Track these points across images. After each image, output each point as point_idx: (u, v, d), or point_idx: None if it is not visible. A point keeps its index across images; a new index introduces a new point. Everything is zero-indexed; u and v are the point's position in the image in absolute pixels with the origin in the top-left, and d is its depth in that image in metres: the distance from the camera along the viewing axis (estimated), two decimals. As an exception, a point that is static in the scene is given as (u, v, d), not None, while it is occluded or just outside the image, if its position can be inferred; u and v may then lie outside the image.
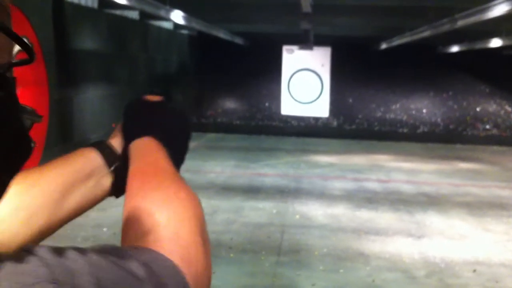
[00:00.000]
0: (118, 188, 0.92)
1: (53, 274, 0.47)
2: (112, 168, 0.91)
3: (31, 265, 0.47)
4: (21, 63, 0.55)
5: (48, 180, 0.85)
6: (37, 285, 0.46)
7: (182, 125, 0.96)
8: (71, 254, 0.51)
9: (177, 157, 0.89)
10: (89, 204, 0.91)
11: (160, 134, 0.89)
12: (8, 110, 0.50)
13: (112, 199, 0.99)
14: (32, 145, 0.57)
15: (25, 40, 0.54)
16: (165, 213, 0.71)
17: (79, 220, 1.01)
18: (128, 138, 0.91)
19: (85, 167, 0.90)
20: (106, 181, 0.91)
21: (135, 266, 0.55)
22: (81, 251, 0.52)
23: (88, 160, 0.91)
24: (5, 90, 0.50)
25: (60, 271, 0.48)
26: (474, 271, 5.96)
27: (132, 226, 0.72)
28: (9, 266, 0.46)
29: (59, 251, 0.50)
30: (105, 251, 0.55)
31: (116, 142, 0.94)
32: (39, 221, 0.82)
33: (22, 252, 0.49)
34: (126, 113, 0.96)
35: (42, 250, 0.49)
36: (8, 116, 0.50)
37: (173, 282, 0.59)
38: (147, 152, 0.86)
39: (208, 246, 0.72)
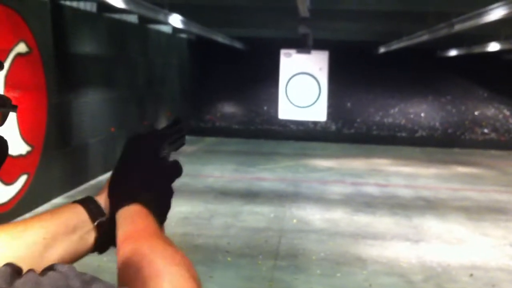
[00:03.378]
0: (101, 244, 0.93)
1: (69, 286, 0.51)
2: (96, 223, 0.92)
3: (51, 276, 0.51)
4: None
5: (31, 233, 0.87)
6: None
7: (169, 182, 0.95)
8: (91, 276, 0.54)
9: (160, 216, 0.90)
10: (72, 258, 0.91)
11: (147, 199, 0.90)
12: None
13: None
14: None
15: None
16: (166, 277, 0.74)
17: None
18: (114, 203, 0.91)
19: (69, 221, 0.91)
20: (90, 236, 0.92)
21: None
22: (100, 279, 0.55)
23: (73, 215, 0.92)
24: None
25: (78, 287, 0.51)
26: (471, 275, 5.96)
27: (133, 283, 0.75)
28: (32, 275, 0.51)
29: (81, 272, 0.54)
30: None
31: (102, 199, 0.95)
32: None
33: (47, 269, 0.53)
34: (114, 172, 0.95)
35: (65, 267, 0.53)
36: None
37: None
38: (137, 218, 0.87)
39: None
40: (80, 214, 0.92)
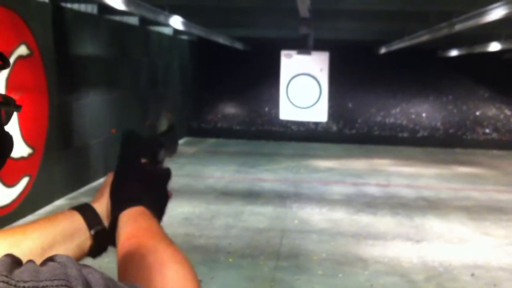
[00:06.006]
0: (96, 251, 0.96)
1: (67, 275, 0.51)
2: (93, 232, 0.95)
3: (50, 266, 0.52)
4: None
5: (30, 240, 0.88)
6: (49, 281, 0.50)
7: (164, 190, 1.00)
8: (89, 268, 0.55)
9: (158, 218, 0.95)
10: None
11: (149, 201, 0.94)
12: None
13: None
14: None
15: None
16: (170, 270, 0.77)
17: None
18: (117, 205, 0.95)
19: (66, 230, 0.93)
20: (86, 243, 0.95)
21: None
22: (97, 270, 0.56)
23: (71, 223, 0.94)
24: None
25: (75, 275, 0.52)
26: (473, 275, 5.96)
27: (135, 275, 0.77)
28: (32, 265, 0.53)
29: (79, 263, 0.55)
30: (118, 281, 0.59)
31: (99, 206, 0.98)
32: None
33: (47, 260, 0.55)
34: (116, 177, 0.99)
35: (64, 258, 0.54)
36: None
37: None
38: (140, 219, 0.91)
39: None
40: (77, 222, 0.94)
